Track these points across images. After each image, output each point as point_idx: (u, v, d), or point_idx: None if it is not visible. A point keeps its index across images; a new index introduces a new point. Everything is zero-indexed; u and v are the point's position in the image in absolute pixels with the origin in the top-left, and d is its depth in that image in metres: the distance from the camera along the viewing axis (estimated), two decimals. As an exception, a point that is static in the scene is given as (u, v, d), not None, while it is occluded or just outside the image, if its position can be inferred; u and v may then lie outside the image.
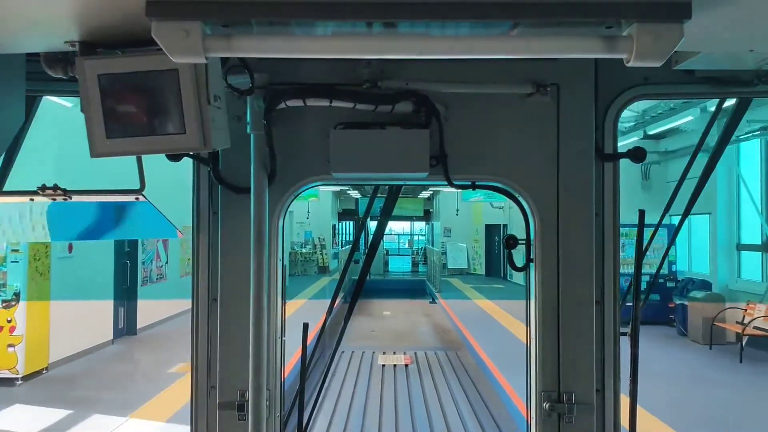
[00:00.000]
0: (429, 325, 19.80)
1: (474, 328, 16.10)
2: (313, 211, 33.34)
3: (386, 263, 34.88)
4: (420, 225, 48.62)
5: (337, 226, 43.18)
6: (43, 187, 2.16)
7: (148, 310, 16.87)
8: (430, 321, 20.64)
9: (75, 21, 1.77)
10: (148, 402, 9.93)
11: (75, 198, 2.18)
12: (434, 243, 37.45)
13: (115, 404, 9.90)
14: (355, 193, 36.29)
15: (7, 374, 11.28)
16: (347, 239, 48.50)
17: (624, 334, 2.61)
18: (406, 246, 47.61)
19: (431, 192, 35.16)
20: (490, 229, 32.41)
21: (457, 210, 33.18)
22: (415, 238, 48.92)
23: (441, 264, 26.93)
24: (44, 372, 11.96)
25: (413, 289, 28.98)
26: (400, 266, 38.55)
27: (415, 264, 38.70)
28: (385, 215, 3.29)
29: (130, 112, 1.94)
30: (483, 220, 32.59)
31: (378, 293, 25.73)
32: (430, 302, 24.91)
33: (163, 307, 17.71)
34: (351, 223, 48.76)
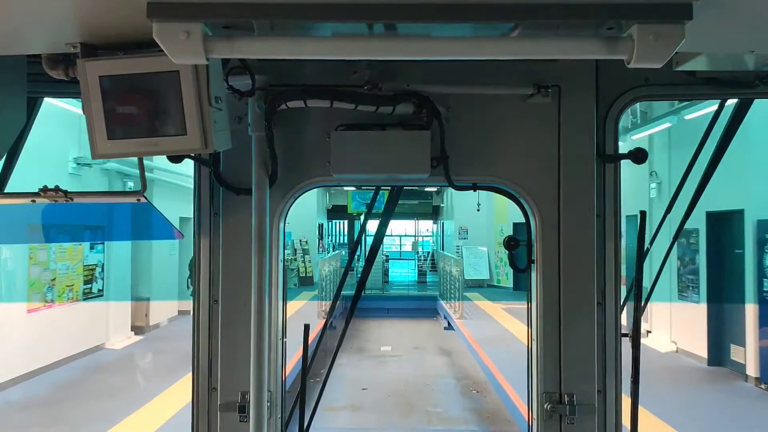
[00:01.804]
0: (451, 375, 13.12)
1: (524, 383, 7.83)
2: (292, 206, 24.69)
3: (386, 272, 27.04)
4: (425, 225, 43.15)
5: (325, 225, 36.35)
6: (45, 189, 2.17)
7: None
8: (451, 365, 14.09)
9: (76, 23, 1.78)
10: None
11: (76, 200, 2.19)
12: (444, 246, 31.71)
13: None
14: (348, 186, 29.41)
15: None
16: (340, 241, 42.26)
17: (625, 335, 2.62)
18: (409, 249, 41.20)
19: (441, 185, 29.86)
20: (520, 229, 18.14)
21: (479, 204, 26.26)
22: (417, 239, 42.89)
23: (461, 276, 19.80)
24: None
25: (422, 308, 22.57)
26: (403, 275, 30.77)
27: (421, 273, 30.14)
28: (386, 218, 3.21)
29: (131, 114, 1.95)
30: (510, 217, 25.11)
31: (376, 312, 20.48)
32: (446, 328, 19.02)
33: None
34: (345, 222, 41.61)
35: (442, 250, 31.25)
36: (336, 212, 35.64)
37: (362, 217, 28.95)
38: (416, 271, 30.45)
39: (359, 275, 3.40)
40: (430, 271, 30.22)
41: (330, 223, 39.68)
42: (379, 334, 17.73)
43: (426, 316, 21.41)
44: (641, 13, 1.47)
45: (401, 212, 30.01)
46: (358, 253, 20.12)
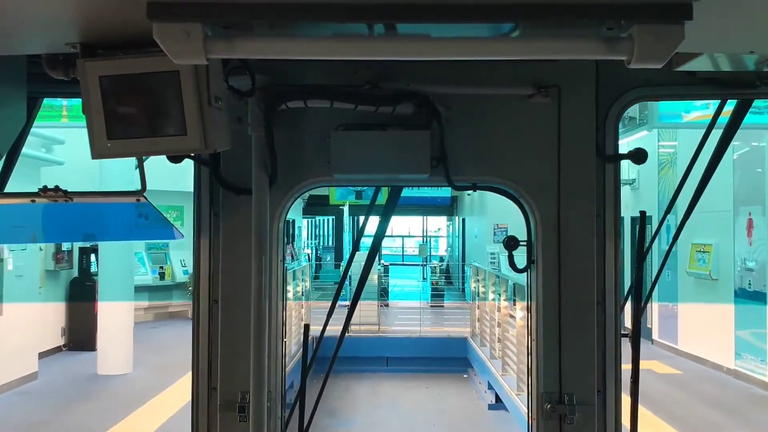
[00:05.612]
0: None
1: None
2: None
3: (384, 291, 18.91)
4: (435, 224, 35.02)
5: (299, 223, 27.70)
6: (44, 189, 2.18)
7: None
8: None
9: (76, 23, 1.78)
10: None
11: (76, 200, 2.20)
12: (465, 253, 25.02)
13: None
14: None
15: None
16: (324, 244, 32.75)
17: (625, 335, 2.62)
18: (411, 252, 33.22)
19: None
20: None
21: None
22: (418, 239, 34.15)
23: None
24: None
25: (443, 357, 14.02)
26: (406, 291, 21.37)
27: (436, 291, 21.02)
28: (385, 220, 3.07)
29: (132, 114, 1.95)
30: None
31: (368, 364, 13.11)
32: (493, 406, 11.15)
33: None
34: (329, 219, 32.61)
35: (462, 258, 24.45)
36: (315, 206, 27.03)
37: (346, 208, 25.32)
38: (429, 287, 21.45)
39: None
40: (446, 282, 23.07)
41: (310, 220, 31.25)
42: (368, 426, 9.92)
43: (450, 371, 13.53)
44: (641, 13, 1.47)
45: (406, 206, 23.33)
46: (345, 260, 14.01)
